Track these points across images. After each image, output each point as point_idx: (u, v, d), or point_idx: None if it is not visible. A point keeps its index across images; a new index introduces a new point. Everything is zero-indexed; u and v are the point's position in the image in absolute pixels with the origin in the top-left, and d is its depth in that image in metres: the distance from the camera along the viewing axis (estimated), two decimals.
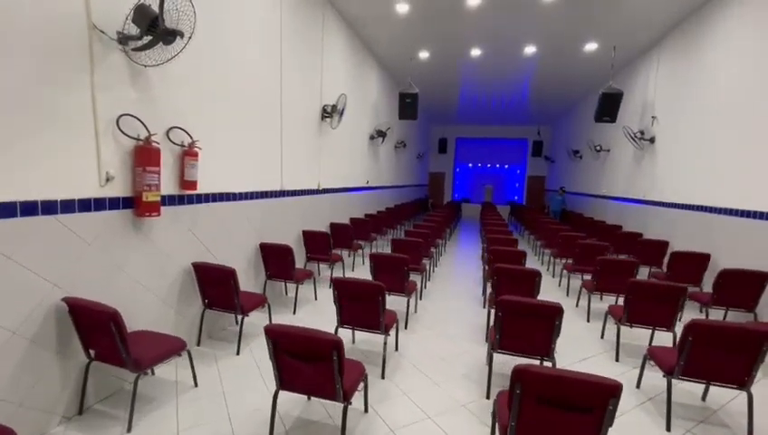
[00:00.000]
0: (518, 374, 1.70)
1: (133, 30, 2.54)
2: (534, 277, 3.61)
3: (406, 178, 13.28)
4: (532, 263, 6.12)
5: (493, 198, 18.25)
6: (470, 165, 19.97)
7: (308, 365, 2.07)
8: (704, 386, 2.96)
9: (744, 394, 2.46)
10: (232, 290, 3.26)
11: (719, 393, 2.94)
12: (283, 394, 2.26)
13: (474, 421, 2.57)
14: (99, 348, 2.42)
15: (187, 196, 3.26)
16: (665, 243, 5.98)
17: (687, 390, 3.03)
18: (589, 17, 6.26)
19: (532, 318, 2.68)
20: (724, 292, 4.00)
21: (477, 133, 18.33)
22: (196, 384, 2.83)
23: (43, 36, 2.15)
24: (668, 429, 2.54)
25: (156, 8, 2.50)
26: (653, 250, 5.96)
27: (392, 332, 3.45)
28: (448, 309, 4.76)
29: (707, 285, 4.42)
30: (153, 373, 2.94)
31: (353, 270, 6.41)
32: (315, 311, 4.50)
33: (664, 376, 2.61)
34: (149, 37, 2.53)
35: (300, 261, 5.18)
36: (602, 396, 1.60)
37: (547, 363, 3.26)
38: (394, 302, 4.25)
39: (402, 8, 6.07)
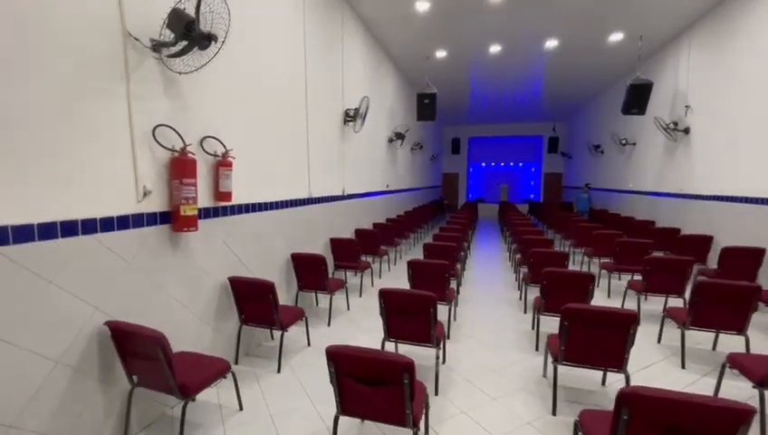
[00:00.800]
0: (626, 398, 1.49)
1: (166, 36, 2.41)
2: (588, 282, 3.38)
3: (422, 180, 13.09)
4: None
5: (508, 197, 17.93)
6: (483, 164, 19.69)
7: (374, 390, 1.89)
8: None
9: None
10: (271, 305, 3.10)
11: None
12: (330, 416, 2.08)
13: None
14: (142, 373, 2.27)
15: (221, 208, 3.12)
16: (708, 238, 5.69)
17: None
18: (615, 7, 6.02)
19: (602, 327, 2.46)
20: None
21: (490, 132, 18.06)
22: (241, 407, 2.67)
23: (78, 46, 2.02)
24: None
25: (190, 12, 2.38)
26: (696, 246, 5.66)
27: (441, 345, 3.25)
28: (487, 315, 4.54)
29: (765, 282, 4.14)
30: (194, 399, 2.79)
31: (380, 277, 6.23)
32: (349, 322, 4.32)
33: (754, 387, 2.37)
34: (184, 42, 2.40)
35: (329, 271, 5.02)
36: (733, 423, 1.39)
37: (619, 376, 3.07)
38: None
39: (422, 6, 5.90)
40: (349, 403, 2.00)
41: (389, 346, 3.45)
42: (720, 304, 3.12)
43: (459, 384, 3.03)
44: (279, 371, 3.19)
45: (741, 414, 1.38)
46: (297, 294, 4.30)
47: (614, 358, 2.50)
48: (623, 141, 9.16)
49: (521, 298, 5.12)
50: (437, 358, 2.92)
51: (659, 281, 4.18)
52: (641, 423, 1.50)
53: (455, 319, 4.36)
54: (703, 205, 6.10)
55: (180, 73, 2.52)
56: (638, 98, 6.89)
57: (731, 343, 3.61)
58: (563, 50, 7.89)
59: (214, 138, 2.97)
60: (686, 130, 6.57)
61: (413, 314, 2.85)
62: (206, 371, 2.39)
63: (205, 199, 2.93)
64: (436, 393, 2.86)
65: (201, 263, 2.92)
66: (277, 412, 2.64)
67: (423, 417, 2.39)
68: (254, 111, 3.54)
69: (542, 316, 3.72)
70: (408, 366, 1.79)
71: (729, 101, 5.58)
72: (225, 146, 3.03)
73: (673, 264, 4.16)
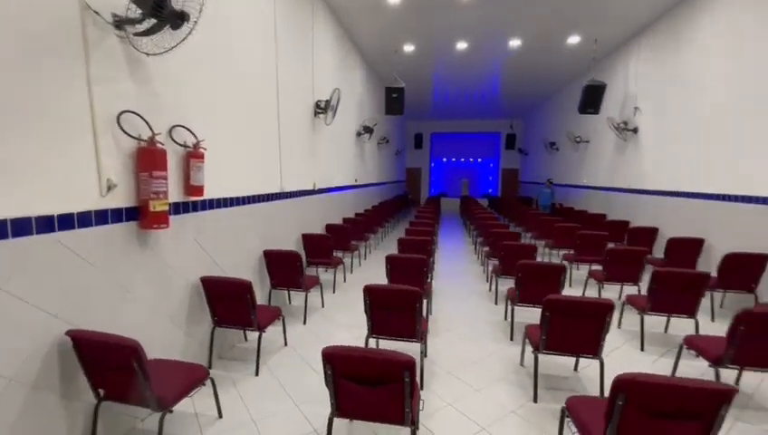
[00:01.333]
0: (622, 384, 1.57)
1: (132, 12, 2.17)
2: (560, 273, 3.55)
3: (387, 174, 13.10)
4: None
5: (469, 192, 18.46)
6: (444, 159, 20.09)
7: (373, 390, 1.84)
8: (738, 371, 3.01)
9: None
10: (248, 305, 2.94)
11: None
12: (319, 417, 2.01)
13: (529, 427, 2.45)
14: (111, 386, 2.06)
15: (191, 202, 2.90)
16: (654, 229, 6.19)
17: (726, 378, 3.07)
18: (574, 11, 6.32)
19: (581, 317, 2.59)
20: (728, 275, 4.14)
21: (451, 128, 18.45)
22: (220, 415, 2.51)
23: (29, 18, 1.76)
24: None
25: None
26: (644, 237, 6.15)
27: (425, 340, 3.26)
28: (460, 308, 4.63)
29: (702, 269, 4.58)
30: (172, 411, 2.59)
31: (351, 272, 6.16)
32: (326, 319, 4.23)
33: (710, 365, 2.61)
34: (153, 20, 2.17)
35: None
36: (715, 402, 1.50)
37: (588, 361, 3.25)
38: None
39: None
40: (344, 404, 1.94)
41: (372, 343, 3.42)
42: (674, 291, 3.41)
43: (442, 377, 3.06)
44: (257, 373, 3.05)
45: (724, 394, 1.49)
46: (270, 292, 4.13)
47: (590, 345, 2.64)
48: (578, 139, 9.72)
49: (490, 289, 5.29)
50: (422, 353, 2.93)
51: (617, 270, 4.49)
52: (634, 408, 1.59)
53: (431, 313, 4.41)
54: (650, 199, 6.63)
55: (149, 54, 2.29)
56: (592, 98, 7.33)
57: (680, 325, 3.96)
58: (525, 49, 8.19)
59: (184, 127, 2.74)
60: (635, 130, 7.08)
61: (399, 310, 2.83)
62: (183, 379, 2.21)
63: (174, 194, 2.70)
64: (422, 387, 2.87)
65: (171, 262, 2.70)
66: (260, 417, 2.52)
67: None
68: (225, 100, 3.32)
69: (515, 307, 3.85)
70: (408, 364, 1.76)
71: (672, 103, 6.08)
72: (196, 136, 2.81)
73: (630, 254, 4.48)
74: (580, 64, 8.94)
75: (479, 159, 19.96)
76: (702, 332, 3.48)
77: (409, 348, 3.17)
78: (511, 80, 10.97)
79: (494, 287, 5.19)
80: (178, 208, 2.76)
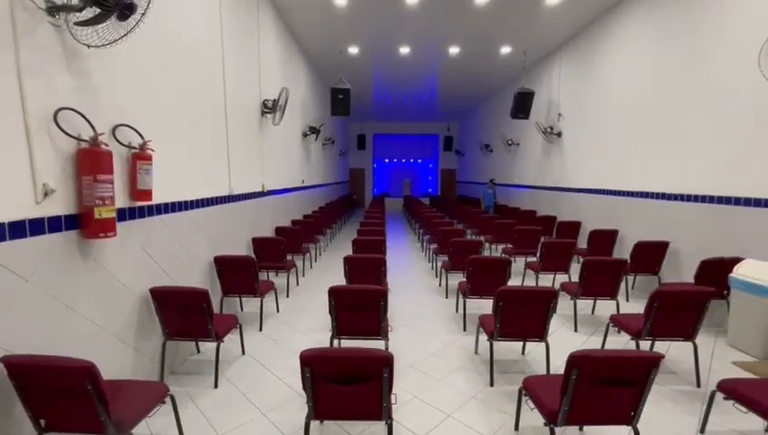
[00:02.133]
0: (576, 360, 1.79)
1: None
2: (506, 266, 3.86)
3: (333, 175, 13.02)
4: None
5: (411, 191, 19.01)
6: (387, 160, 20.44)
7: (351, 388, 1.89)
8: (651, 342, 3.54)
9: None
10: (204, 315, 2.79)
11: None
12: (289, 422, 2.02)
13: (489, 410, 2.66)
14: (55, 415, 1.84)
15: (138, 208, 2.68)
16: (578, 223, 6.96)
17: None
18: (506, 23, 6.86)
19: (529, 304, 2.86)
20: (638, 261, 4.82)
21: (393, 129, 18.84)
22: (181, 434, 2.36)
23: None
24: None
25: None
26: (569, 230, 6.88)
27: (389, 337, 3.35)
28: (414, 304, 4.81)
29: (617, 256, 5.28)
30: None
31: (304, 275, 6.06)
32: (283, 324, 4.14)
33: (632, 339, 3.04)
34: (96, 10, 1.99)
35: None
36: (647, 368, 1.79)
37: (533, 345, 3.58)
38: None
39: (341, 0, 5.86)
40: (322, 406, 1.95)
41: (335, 344, 3.43)
42: (599, 277, 3.89)
43: (405, 371, 3.18)
44: (216, 385, 2.90)
45: (653, 360, 1.78)
46: (222, 299, 3.93)
47: (537, 329, 2.93)
48: (509, 142, 10.52)
49: (440, 284, 5.55)
50: (386, 349, 3.01)
51: (551, 261, 4.99)
52: (584, 379, 1.83)
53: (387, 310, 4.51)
54: (573, 196, 7.42)
55: (89, 46, 2.08)
56: (523, 104, 8.00)
57: (605, 307, 4.52)
58: (463, 56, 8.67)
59: (129, 126, 2.52)
60: (559, 134, 7.88)
61: (363, 309, 2.89)
62: (141, 399, 2.05)
63: (119, 199, 2.48)
64: None
65: (118, 273, 2.48)
66: (226, 431, 2.42)
67: None
68: (170, 98, 3.10)
69: (466, 299, 4.10)
70: (386, 361, 1.83)
71: (588, 110, 6.89)
72: (142, 136, 2.60)
73: (561, 246, 5.00)
74: (511, 72, 9.70)
75: (419, 160, 20.62)
76: (621, 311, 4.01)
77: (374, 346, 3.23)
78: (449, 84, 11.53)
79: (443, 282, 5.45)
80: (124, 215, 2.54)
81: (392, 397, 2.15)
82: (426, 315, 4.42)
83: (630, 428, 1.96)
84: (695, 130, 4.51)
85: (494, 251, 7.36)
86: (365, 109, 15.26)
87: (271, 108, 5.43)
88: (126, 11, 2.04)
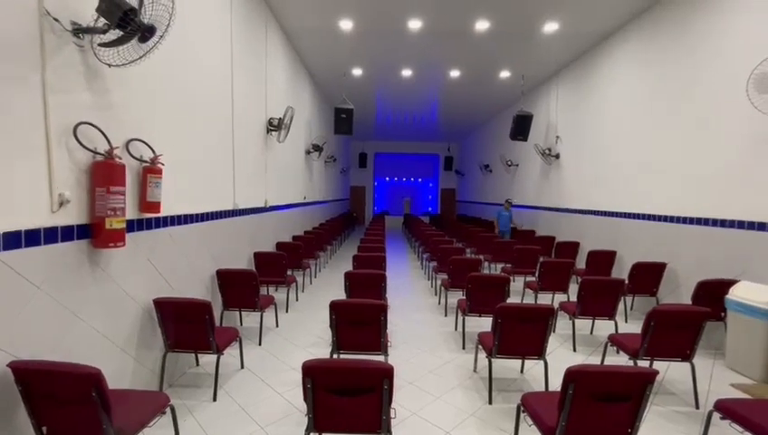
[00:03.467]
0: (572, 375, 1.83)
1: (92, 19, 2.09)
2: (505, 283, 3.90)
3: (334, 192, 13.15)
4: None
5: (411, 210, 19.13)
6: (387, 178, 20.66)
7: (352, 400, 1.91)
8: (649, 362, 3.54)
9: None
10: (206, 327, 2.82)
11: None
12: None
13: (487, 427, 2.65)
14: (59, 422, 1.86)
15: (146, 220, 2.75)
16: (576, 244, 7.01)
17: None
18: (506, 49, 7.11)
19: (527, 322, 2.89)
20: (636, 281, 4.86)
21: (394, 148, 19.12)
22: None
23: None
24: None
25: None
26: (568, 250, 6.93)
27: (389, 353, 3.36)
28: (414, 321, 4.82)
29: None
30: None
31: (303, 291, 6.08)
32: (282, 339, 4.14)
33: (630, 358, 3.06)
34: (119, 32, 2.11)
35: None
36: (643, 384, 1.82)
37: (532, 363, 3.58)
38: None
39: (346, 25, 6.10)
40: (322, 419, 1.97)
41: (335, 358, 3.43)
42: (597, 297, 3.93)
43: (405, 388, 3.18)
44: (215, 398, 2.90)
45: (648, 376, 1.82)
46: (222, 313, 3.95)
47: (536, 347, 2.95)
48: (509, 163, 10.69)
49: (440, 303, 5.56)
50: None
51: (550, 280, 5.03)
52: (581, 394, 1.86)
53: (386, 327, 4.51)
54: (571, 217, 7.50)
55: (110, 66, 2.20)
56: (522, 127, 8.20)
57: (603, 327, 4.53)
58: (463, 80, 8.93)
59: (141, 141, 2.62)
60: (557, 156, 8.04)
61: (364, 324, 2.92)
62: (142, 408, 2.07)
63: (129, 210, 2.55)
64: None
65: (124, 283, 2.53)
66: None
67: None
68: (182, 114, 3.22)
69: (465, 317, 4.12)
70: (387, 372, 1.86)
71: (584, 134, 7.06)
72: (153, 150, 2.70)
73: (559, 266, 5.05)
74: (510, 95, 9.95)
75: (419, 179, 20.83)
76: (620, 331, 4.03)
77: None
78: (449, 106, 11.80)
79: (443, 300, 5.47)
80: (133, 226, 2.60)
81: (392, 411, 2.17)
82: (425, 333, 4.43)
83: None
84: (687, 154, 4.63)
85: (492, 270, 7.38)
86: (367, 128, 15.55)
87: (276, 126, 5.57)
88: (147, 33, 2.17)
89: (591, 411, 1.89)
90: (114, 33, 2.12)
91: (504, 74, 8.45)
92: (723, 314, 3.80)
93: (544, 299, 5.62)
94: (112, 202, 2.22)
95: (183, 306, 2.83)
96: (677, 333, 2.92)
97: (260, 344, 3.96)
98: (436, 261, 6.30)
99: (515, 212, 9.66)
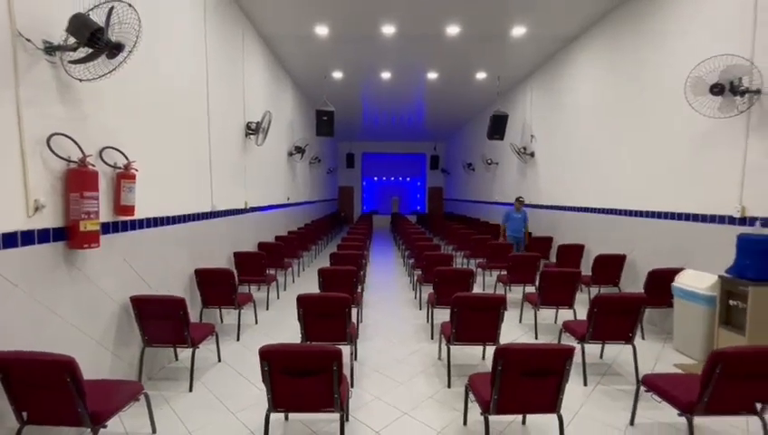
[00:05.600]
0: (500, 353, 2.06)
1: (61, 39, 2.27)
2: (469, 276, 4.14)
3: (320, 193, 13.32)
4: None
5: (399, 209, 19.36)
6: (375, 178, 20.87)
7: (305, 380, 2.12)
8: (601, 345, 3.80)
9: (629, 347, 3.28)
10: (181, 322, 3.01)
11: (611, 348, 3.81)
12: (256, 420, 2.23)
13: (443, 408, 2.88)
14: (37, 408, 2.04)
15: (121, 222, 2.93)
16: (550, 238, 7.29)
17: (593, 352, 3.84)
18: (479, 51, 7.36)
19: (481, 310, 3.13)
20: (598, 273, 5.13)
21: (381, 148, 19.34)
22: (154, 430, 2.54)
23: None
24: (585, 383, 3.23)
25: (95, 18, 2.29)
26: (542, 245, 7.20)
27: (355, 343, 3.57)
28: (389, 315, 5.04)
29: (586, 269, 5.58)
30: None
31: (285, 289, 6.26)
32: (260, 335, 4.33)
33: (578, 342, 3.30)
34: (88, 49, 2.29)
35: None
36: (562, 359, 2.06)
37: (493, 349, 3.81)
38: None
39: (322, 30, 6.29)
40: (280, 398, 2.17)
41: None
42: (557, 287, 4.18)
43: (371, 375, 3.39)
44: (191, 389, 3.09)
45: (567, 351, 2.05)
46: (201, 311, 4.13)
47: (490, 334, 3.19)
48: (489, 161, 10.96)
49: (416, 297, 5.79)
50: (351, 353, 3.24)
51: (519, 274, 5.28)
52: (509, 371, 2.08)
53: (361, 320, 4.74)
54: (546, 213, 7.78)
55: (81, 81, 2.38)
56: (498, 126, 8.46)
57: (566, 316, 4.78)
58: (441, 81, 9.17)
59: (114, 148, 2.80)
60: (532, 154, 8.31)
61: (330, 316, 3.12)
62: (116, 394, 2.25)
63: (104, 214, 2.73)
64: (352, 385, 3.16)
65: (100, 282, 2.70)
66: (196, 428, 2.61)
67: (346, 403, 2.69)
68: (154, 122, 3.40)
69: (435, 309, 4.35)
70: (336, 354, 2.08)
71: (556, 132, 7.32)
72: (127, 157, 2.88)
73: (528, 260, 5.30)
74: (489, 96, 10.21)
75: (407, 178, 21.08)
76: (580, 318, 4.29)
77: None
78: (433, 106, 12.05)
79: (419, 295, 5.70)
80: (108, 228, 2.78)
81: (350, 392, 2.39)
82: (398, 326, 4.65)
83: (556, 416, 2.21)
84: (644, 153, 4.91)
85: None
86: (354, 128, 15.74)
87: (254, 129, 5.75)
88: (115, 50, 2.35)
89: (520, 386, 2.12)
90: (84, 51, 2.30)
91: (481, 75, 8.70)
92: (672, 300, 4.08)
93: (516, 292, 5.88)
94: (86, 206, 2.40)
95: (158, 303, 3.01)
96: (619, 318, 3.17)
97: (238, 340, 4.15)
98: (414, 258, 6.52)
99: (531, 214, 7.42)
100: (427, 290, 5.46)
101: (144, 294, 3.05)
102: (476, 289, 6.15)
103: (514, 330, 4.52)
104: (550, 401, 2.17)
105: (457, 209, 16.27)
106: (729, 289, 3.32)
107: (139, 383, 2.40)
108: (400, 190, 20.86)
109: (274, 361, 2.08)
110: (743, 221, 3.54)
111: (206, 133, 4.42)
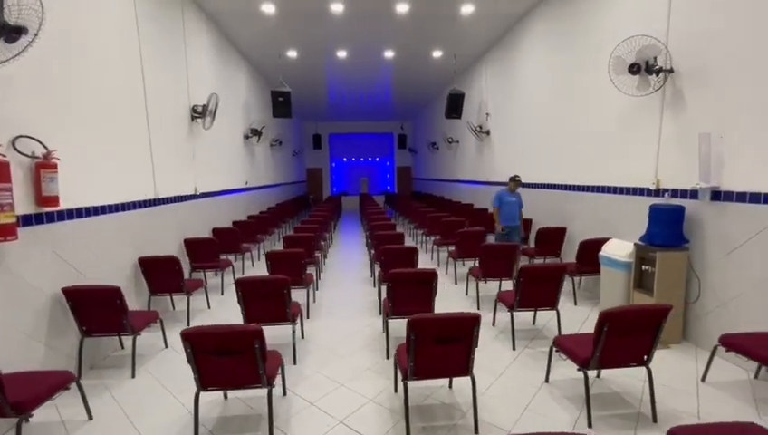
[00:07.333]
0: (412, 324, 2.22)
1: None
2: (413, 254, 4.31)
3: (284, 175, 13.15)
4: (409, 241, 6.99)
5: (369, 189, 19.40)
6: (345, 159, 20.73)
7: (230, 360, 2.22)
8: (533, 312, 4.09)
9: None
10: (119, 310, 3.02)
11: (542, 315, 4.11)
12: (192, 401, 2.32)
13: (379, 378, 3.06)
14: None
15: (46, 213, 2.87)
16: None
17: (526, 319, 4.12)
18: (433, 29, 7.35)
19: (416, 285, 3.30)
20: (542, 246, 5.43)
21: (348, 129, 19.15)
22: (90, 417, 2.60)
23: None
24: (513, 348, 3.49)
25: None
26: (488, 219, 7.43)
27: (297, 322, 3.68)
28: (344, 294, 5.19)
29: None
30: (28, 420, 2.57)
31: (243, 273, 6.28)
32: (212, 319, 4.37)
33: (509, 310, 3.55)
34: None
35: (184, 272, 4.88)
36: (470, 326, 2.24)
37: None
38: (294, 295, 4.44)
39: (268, 8, 6.10)
40: (208, 378, 2.27)
41: None
42: (498, 260, 4.42)
43: (316, 352, 3.54)
44: (133, 375, 3.14)
45: (473, 320, 2.23)
46: (149, 298, 4.13)
47: (424, 306, 3.36)
48: (450, 140, 11.12)
49: (372, 275, 5.96)
50: (293, 332, 3.36)
51: (465, 249, 5.50)
52: (422, 339, 2.25)
53: (314, 301, 4.86)
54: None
55: None
56: (454, 105, 8.56)
57: (507, 287, 5.07)
58: (400, 60, 9.12)
59: (30, 137, 2.71)
60: (488, 132, 8.50)
61: (270, 297, 3.21)
62: (43, 384, 2.29)
63: (24, 206, 2.67)
64: (294, 362, 3.30)
65: (25, 275, 2.67)
66: (134, 413, 2.67)
67: (280, 379, 2.82)
68: (82, 109, 3.28)
69: (384, 285, 4.50)
70: (257, 334, 2.18)
71: (508, 110, 7.51)
72: (45, 146, 2.79)
73: (475, 235, 5.53)
74: (447, 74, 10.26)
75: (376, 158, 21.04)
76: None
77: (284, 330, 3.56)
78: (397, 85, 11.99)
79: (375, 273, 5.86)
80: (30, 220, 2.72)
81: (279, 368, 2.51)
82: (351, 304, 4.81)
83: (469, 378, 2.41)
84: (583, 129, 5.15)
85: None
86: (319, 109, 15.47)
87: (201, 113, 5.60)
88: (14, 34, 2.26)
89: (433, 352, 2.30)
90: None
91: (437, 54, 8.70)
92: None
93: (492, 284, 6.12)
94: None
95: (92, 293, 3.00)
96: (543, 286, 3.42)
97: (188, 325, 4.18)
98: (373, 239, 6.65)
99: (526, 194, 6.26)
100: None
101: (77, 285, 3.03)
102: (432, 264, 6.41)
103: (462, 300, 4.77)
104: (462, 365, 2.37)
105: (426, 188, 16.49)
106: (641, 255, 3.63)
107: (69, 373, 2.43)
108: (370, 171, 20.83)
109: (196, 343, 2.16)
110: (657, 193, 3.83)
111: (143, 118, 4.29)
